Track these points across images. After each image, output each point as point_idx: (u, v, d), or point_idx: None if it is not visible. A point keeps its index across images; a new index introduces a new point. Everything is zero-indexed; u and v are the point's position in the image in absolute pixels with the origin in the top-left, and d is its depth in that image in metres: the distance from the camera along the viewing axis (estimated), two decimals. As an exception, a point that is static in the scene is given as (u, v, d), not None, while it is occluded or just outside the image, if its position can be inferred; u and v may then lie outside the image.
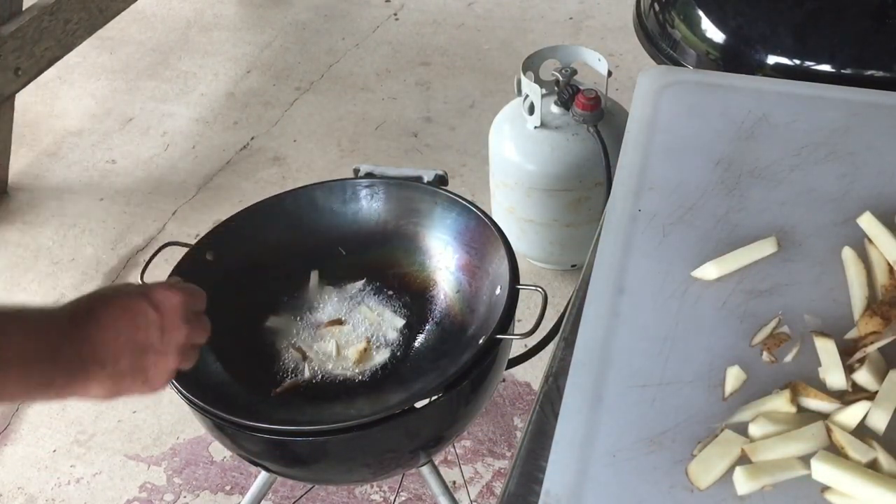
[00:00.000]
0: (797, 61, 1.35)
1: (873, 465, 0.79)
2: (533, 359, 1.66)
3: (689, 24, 1.46)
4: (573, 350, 0.94)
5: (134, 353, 0.78)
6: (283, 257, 1.34)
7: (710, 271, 1.00)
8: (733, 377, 0.89)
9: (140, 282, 1.01)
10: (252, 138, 2.82)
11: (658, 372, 0.91)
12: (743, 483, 0.79)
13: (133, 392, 0.80)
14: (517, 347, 1.63)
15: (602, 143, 1.90)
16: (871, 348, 0.87)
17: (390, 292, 1.33)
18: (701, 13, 1.44)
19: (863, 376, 0.85)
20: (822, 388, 0.86)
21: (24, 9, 2.37)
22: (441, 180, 1.37)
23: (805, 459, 0.79)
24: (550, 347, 1.39)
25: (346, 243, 1.37)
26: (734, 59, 1.40)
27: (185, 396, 1.12)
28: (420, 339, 1.29)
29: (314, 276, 1.34)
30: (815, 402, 0.84)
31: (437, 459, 1.67)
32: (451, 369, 1.13)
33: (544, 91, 1.96)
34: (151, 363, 0.80)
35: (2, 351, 0.70)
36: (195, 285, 0.89)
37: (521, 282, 1.19)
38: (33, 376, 0.72)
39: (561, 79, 1.96)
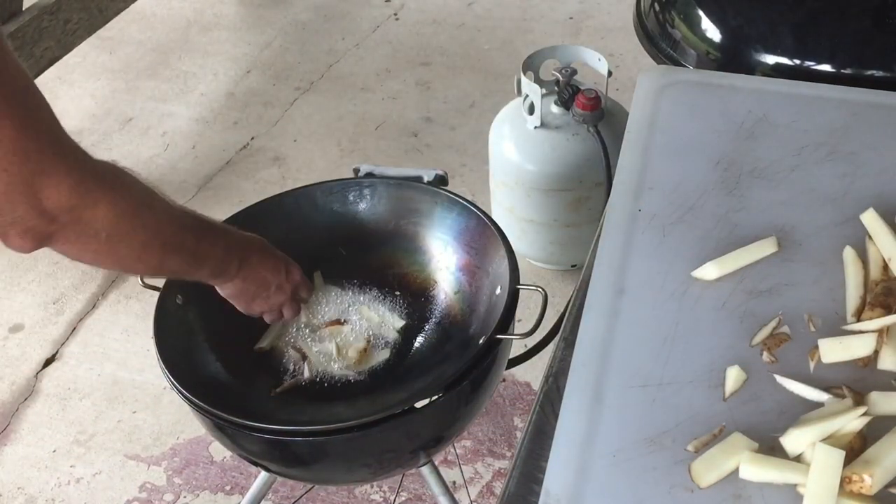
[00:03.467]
0: (797, 61, 1.35)
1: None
2: (533, 359, 1.66)
3: (689, 24, 1.46)
4: (573, 350, 0.94)
5: (259, 283, 1.17)
6: (283, 257, 1.34)
7: (710, 271, 1.00)
8: (733, 377, 0.89)
9: (141, 282, 1.24)
10: (252, 138, 2.82)
11: (658, 372, 0.91)
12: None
13: (242, 303, 1.19)
14: (517, 347, 1.63)
15: (602, 143, 1.90)
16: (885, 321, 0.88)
17: (390, 292, 1.33)
18: (701, 13, 1.44)
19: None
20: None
21: (24, 9, 2.37)
22: (441, 180, 1.37)
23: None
24: (550, 347, 1.39)
25: (346, 243, 1.37)
26: (734, 59, 1.40)
27: (185, 396, 1.12)
28: (420, 339, 1.29)
29: (318, 277, 1.34)
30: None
31: (437, 459, 1.67)
32: (451, 369, 1.13)
33: (544, 91, 1.96)
34: (262, 297, 1.19)
35: (210, 252, 1.08)
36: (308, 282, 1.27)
37: (521, 282, 1.19)
38: (210, 270, 1.10)
39: (561, 79, 1.96)
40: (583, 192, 2.00)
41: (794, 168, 1.14)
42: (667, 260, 1.02)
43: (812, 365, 0.90)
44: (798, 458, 0.81)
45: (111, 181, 0.91)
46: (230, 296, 1.18)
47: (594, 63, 1.97)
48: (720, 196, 1.10)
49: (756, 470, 0.80)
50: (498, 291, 1.21)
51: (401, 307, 1.32)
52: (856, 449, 0.80)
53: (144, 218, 0.96)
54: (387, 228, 1.37)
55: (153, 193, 0.99)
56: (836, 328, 0.93)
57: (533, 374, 2.01)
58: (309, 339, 1.28)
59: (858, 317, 0.93)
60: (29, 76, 0.86)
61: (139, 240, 0.96)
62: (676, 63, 1.45)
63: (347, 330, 1.29)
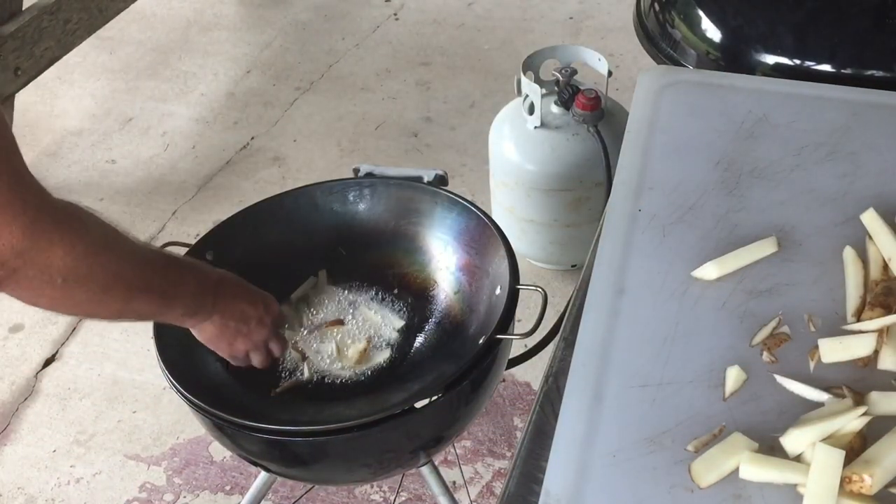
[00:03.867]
0: (797, 61, 1.35)
1: None
2: (533, 359, 1.66)
3: (689, 24, 1.46)
4: (573, 350, 0.94)
5: (238, 318, 1.10)
6: (283, 257, 1.34)
7: (710, 271, 1.00)
8: (733, 377, 0.89)
9: None
10: (252, 138, 2.82)
11: (658, 372, 0.91)
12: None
13: (224, 344, 1.12)
14: (517, 347, 1.63)
15: (602, 143, 1.90)
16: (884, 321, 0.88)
17: (390, 292, 1.33)
18: (701, 13, 1.44)
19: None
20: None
21: (24, 9, 2.37)
22: (441, 180, 1.37)
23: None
24: (550, 347, 1.39)
25: (346, 243, 1.37)
26: (734, 59, 1.40)
27: (185, 396, 1.12)
28: (420, 339, 1.29)
29: (322, 276, 1.34)
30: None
31: (437, 459, 1.67)
32: (450, 369, 1.13)
33: (544, 91, 1.96)
34: (243, 333, 1.11)
35: (180, 289, 1.01)
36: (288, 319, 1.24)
37: (521, 282, 1.19)
38: (183, 309, 1.03)
39: (561, 79, 1.96)
40: (583, 192, 2.00)
41: (794, 168, 1.14)
42: (667, 260, 1.02)
43: (812, 365, 0.90)
44: (798, 458, 0.81)
45: (68, 222, 0.84)
46: (210, 338, 1.10)
47: (594, 63, 1.97)
48: (720, 196, 1.10)
49: (756, 470, 0.80)
50: (498, 291, 1.21)
51: (401, 307, 1.32)
52: (856, 449, 0.80)
53: (104, 259, 0.89)
54: (387, 228, 1.37)
55: (115, 233, 0.93)
56: (836, 328, 0.93)
57: (533, 374, 2.01)
58: (309, 339, 1.28)
59: (858, 317, 0.93)
60: None
61: (99, 283, 0.89)
62: (676, 63, 1.45)
63: (347, 330, 1.29)
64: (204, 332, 1.10)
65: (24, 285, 0.83)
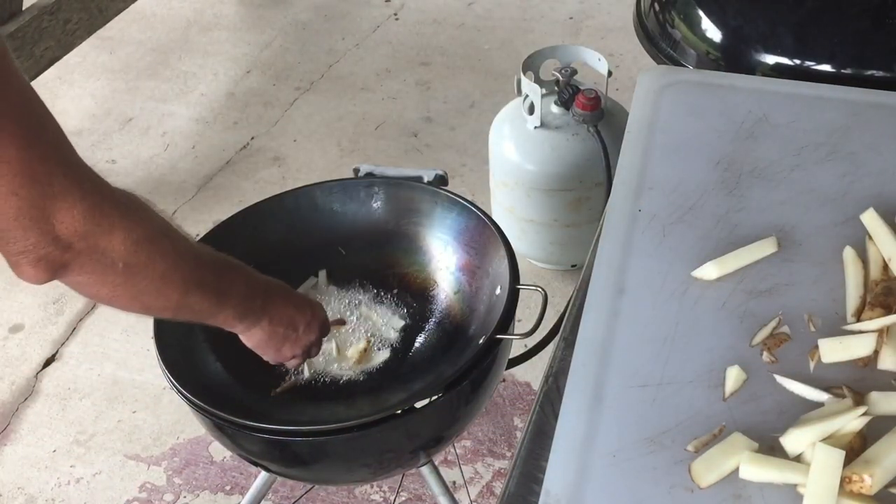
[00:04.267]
0: (797, 61, 1.35)
1: None
2: (533, 359, 1.66)
3: (689, 24, 1.46)
4: (573, 350, 0.94)
5: (287, 324, 1.10)
6: (283, 257, 1.34)
7: (710, 271, 1.00)
8: (733, 377, 0.89)
9: None
10: (252, 138, 2.82)
11: (658, 372, 0.91)
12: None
13: (272, 349, 1.11)
14: (517, 347, 1.63)
15: (602, 143, 1.90)
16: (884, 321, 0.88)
17: (390, 292, 1.33)
18: (701, 13, 1.44)
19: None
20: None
21: (24, 9, 2.37)
22: (441, 180, 1.37)
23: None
24: (550, 347, 1.39)
25: (346, 243, 1.37)
26: (734, 59, 1.40)
27: (185, 396, 1.12)
28: (420, 339, 1.29)
29: (322, 275, 1.34)
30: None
31: (437, 459, 1.67)
32: (450, 369, 1.13)
33: (544, 91, 1.96)
34: (291, 340, 1.12)
35: (232, 289, 1.01)
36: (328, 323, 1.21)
37: (521, 282, 1.19)
38: (234, 309, 1.02)
39: (561, 79, 1.96)
40: (583, 192, 2.00)
41: (794, 168, 1.14)
42: (667, 260, 1.02)
43: (812, 365, 0.90)
44: (798, 458, 0.81)
45: (126, 207, 0.86)
46: (259, 343, 1.10)
47: (594, 63, 1.97)
48: (720, 196, 1.10)
49: (756, 470, 0.80)
50: (498, 291, 1.21)
51: (401, 307, 1.32)
52: (856, 449, 0.80)
53: (162, 247, 0.90)
54: (387, 228, 1.37)
55: (169, 224, 0.94)
56: (836, 328, 0.93)
57: (533, 374, 2.01)
58: (309, 339, 1.28)
59: (858, 317, 0.93)
60: (34, 91, 0.82)
61: (158, 271, 0.90)
62: (676, 63, 1.45)
63: (347, 330, 1.29)
64: (253, 338, 1.09)
65: (88, 269, 0.84)
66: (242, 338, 1.10)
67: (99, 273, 0.85)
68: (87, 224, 0.81)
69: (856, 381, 0.88)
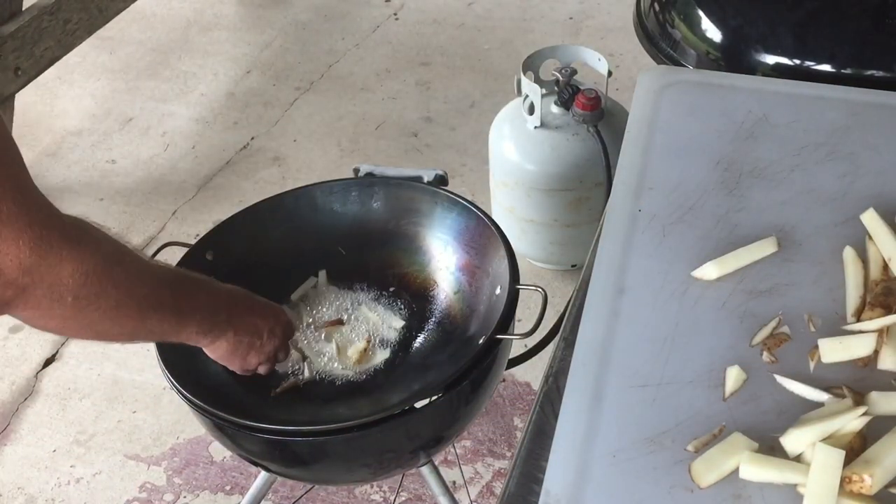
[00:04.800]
0: (797, 61, 1.35)
1: None
2: (533, 359, 1.66)
3: (689, 24, 1.46)
4: (573, 350, 0.94)
5: (251, 332, 1.09)
6: (283, 257, 1.34)
7: (710, 271, 1.00)
8: (733, 377, 0.89)
9: None
10: (252, 138, 2.82)
11: (658, 372, 0.91)
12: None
13: (238, 360, 1.10)
14: (517, 347, 1.63)
15: (602, 143, 1.90)
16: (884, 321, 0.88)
17: (390, 292, 1.33)
18: (701, 13, 1.44)
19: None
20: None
21: (24, 9, 2.37)
22: (441, 180, 1.37)
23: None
24: (550, 347, 1.39)
25: (346, 243, 1.37)
26: (734, 59, 1.40)
27: (185, 396, 1.12)
28: (420, 339, 1.29)
29: (322, 275, 1.34)
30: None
31: (437, 459, 1.67)
32: (451, 369, 1.13)
33: (544, 91, 1.96)
34: (255, 347, 1.10)
35: (193, 306, 1.00)
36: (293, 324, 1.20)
37: (521, 282, 1.19)
38: (197, 326, 1.01)
39: (561, 79, 1.96)
40: (583, 192, 2.00)
41: (794, 168, 1.14)
42: (667, 260, 1.02)
43: (812, 365, 0.90)
44: (798, 458, 0.81)
45: (77, 237, 0.81)
46: (223, 355, 1.09)
47: (594, 63, 1.97)
48: (720, 196, 1.10)
49: (756, 470, 0.80)
50: (498, 291, 1.21)
51: (401, 307, 1.32)
52: (856, 449, 0.80)
53: (115, 277, 0.86)
54: (387, 228, 1.37)
55: (124, 248, 0.90)
56: (836, 328, 0.93)
57: (533, 374, 2.01)
58: (309, 339, 1.28)
59: (858, 317, 0.93)
60: None
61: (111, 301, 0.85)
62: (676, 63, 1.45)
63: (347, 330, 1.29)
64: (218, 350, 1.08)
65: (33, 304, 0.79)
66: (207, 351, 1.08)
67: (45, 308, 0.80)
68: (33, 257, 0.76)
69: (856, 381, 0.88)
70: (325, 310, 1.31)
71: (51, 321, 0.83)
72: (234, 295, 1.08)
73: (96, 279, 0.83)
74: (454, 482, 1.80)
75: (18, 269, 0.76)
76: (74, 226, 0.83)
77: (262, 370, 1.16)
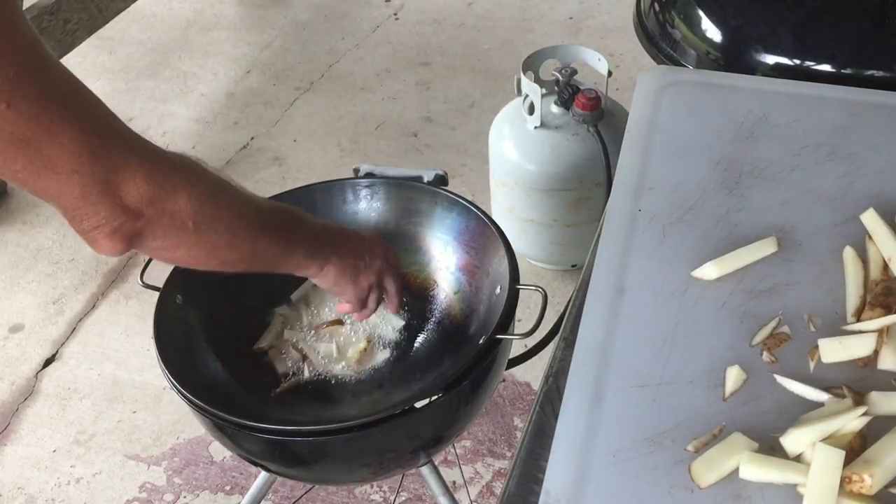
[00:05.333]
0: (797, 61, 1.35)
1: None
2: (533, 359, 1.66)
3: (689, 24, 1.46)
4: (573, 350, 0.94)
5: (355, 253, 1.12)
6: (283, 257, 1.33)
7: (710, 271, 1.00)
8: (733, 377, 0.89)
9: (141, 281, 1.23)
10: (252, 138, 2.82)
11: (658, 372, 0.91)
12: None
13: (349, 281, 1.13)
14: (517, 347, 1.63)
15: (602, 143, 1.90)
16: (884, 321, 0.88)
17: (390, 292, 1.33)
18: (701, 13, 1.44)
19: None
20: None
21: (24, 9, 2.37)
22: (441, 180, 1.37)
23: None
24: (550, 347, 1.39)
25: (346, 243, 1.37)
26: (734, 59, 1.40)
27: (185, 396, 1.12)
28: (420, 339, 1.29)
29: None
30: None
31: (437, 459, 1.67)
32: (451, 369, 1.13)
33: (544, 91, 1.96)
34: (362, 268, 1.13)
35: (297, 230, 1.05)
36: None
37: (521, 282, 1.19)
38: (304, 251, 1.06)
39: (561, 79, 1.96)
40: (583, 192, 2.00)
41: (794, 168, 1.14)
42: (667, 260, 1.02)
43: (812, 365, 0.90)
44: (798, 458, 0.81)
45: (183, 167, 0.88)
46: (336, 280, 1.12)
47: (594, 63, 1.97)
48: (720, 196, 1.10)
49: (756, 470, 0.80)
50: (498, 291, 1.21)
51: (401, 307, 1.32)
52: (856, 449, 0.80)
53: (224, 199, 0.93)
54: (387, 228, 1.37)
55: (224, 179, 0.97)
56: (836, 328, 0.93)
57: (533, 374, 2.01)
58: (309, 339, 1.28)
59: (858, 317, 0.93)
60: (74, 76, 0.84)
61: (226, 223, 0.93)
62: (676, 63, 1.45)
63: (347, 330, 1.29)
64: (328, 276, 1.11)
65: (161, 233, 0.86)
66: (317, 280, 1.12)
67: (172, 236, 0.87)
68: (152, 189, 0.83)
69: (856, 381, 0.88)
70: (325, 310, 1.31)
71: (179, 249, 0.90)
72: (325, 222, 1.12)
73: (208, 202, 0.90)
74: (454, 482, 1.80)
75: (141, 202, 0.83)
76: (179, 158, 0.89)
77: (372, 301, 1.19)
